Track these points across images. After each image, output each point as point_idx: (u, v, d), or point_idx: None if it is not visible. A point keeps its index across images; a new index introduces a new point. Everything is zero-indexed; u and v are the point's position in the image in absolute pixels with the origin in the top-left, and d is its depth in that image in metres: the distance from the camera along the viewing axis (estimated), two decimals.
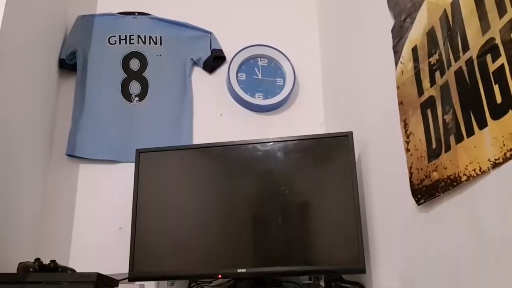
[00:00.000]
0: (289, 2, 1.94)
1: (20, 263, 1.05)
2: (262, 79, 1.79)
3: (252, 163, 1.40)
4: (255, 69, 1.80)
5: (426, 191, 0.90)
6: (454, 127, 0.80)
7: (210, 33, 1.81)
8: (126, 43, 1.74)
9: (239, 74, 1.78)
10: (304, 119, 1.76)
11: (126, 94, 1.69)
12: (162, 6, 1.83)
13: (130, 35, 1.75)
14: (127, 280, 1.30)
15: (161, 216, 1.38)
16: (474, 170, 0.73)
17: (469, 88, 0.76)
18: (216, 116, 1.74)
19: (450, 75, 0.82)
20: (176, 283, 1.44)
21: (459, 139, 0.78)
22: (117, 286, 1.20)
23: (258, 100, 1.75)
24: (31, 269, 1.02)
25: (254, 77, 1.79)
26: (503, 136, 0.66)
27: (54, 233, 1.51)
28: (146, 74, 1.72)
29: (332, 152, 1.34)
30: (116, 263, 1.34)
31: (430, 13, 0.91)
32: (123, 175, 1.55)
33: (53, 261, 1.07)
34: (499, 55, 0.68)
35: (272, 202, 1.34)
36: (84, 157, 1.60)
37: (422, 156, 0.92)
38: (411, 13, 0.99)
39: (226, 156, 1.41)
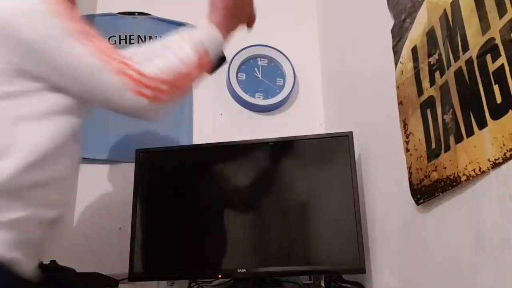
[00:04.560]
0: (289, 2, 1.93)
1: None
2: (262, 79, 1.79)
3: (252, 163, 1.40)
4: (255, 69, 1.80)
5: (425, 191, 0.90)
6: (454, 127, 0.80)
7: None
8: (126, 43, 1.74)
9: (239, 74, 1.77)
10: (304, 119, 1.75)
11: None
12: (162, 6, 1.83)
13: (130, 35, 1.75)
14: (127, 280, 1.30)
15: (161, 216, 1.38)
16: (474, 170, 0.73)
17: (469, 88, 0.76)
18: (216, 116, 1.73)
19: (449, 75, 0.82)
20: (176, 283, 1.44)
21: (458, 139, 0.78)
22: (117, 286, 1.20)
23: (258, 100, 1.75)
24: None
25: (254, 76, 1.79)
26: (503, 136, 0.66)
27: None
28: None
29: (332, 152, 1.34)
30: (116, 263, 1.34)
31: (430, 13, 0.91)
32: (123, 175, 1.55)
33: (53, 261, 1.07)
34: (499, 55, 0.68)
35: (272, 202, 1.34)
36: (84, 157, 1.60)
37: (421, 156, 0.92)
38: (411, 13, 0.99)
39: (226, 156, 1.41)
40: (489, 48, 0.70)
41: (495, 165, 0.68)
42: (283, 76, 1.79)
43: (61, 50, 0.81)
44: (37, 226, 0.83)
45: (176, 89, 0.90)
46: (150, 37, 1.76)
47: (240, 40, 1.79)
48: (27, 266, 0.81)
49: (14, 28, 0.79)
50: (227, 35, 1.00)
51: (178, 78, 0.89)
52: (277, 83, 1.79)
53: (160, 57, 0.89)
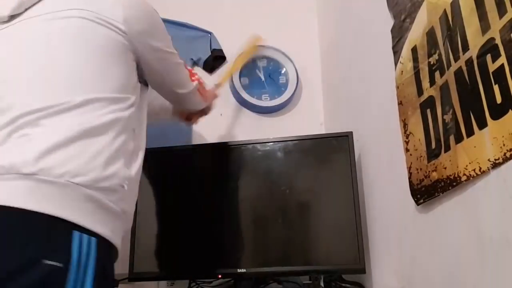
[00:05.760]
0: (289, 3, 1.93)
1: None
2: (264, 81, 1.79)
3: (252, 163, 1.40)
4: (256, 70, 1.80)
5: (425, 191, 0.90)
6: (454, 127, 0.80)
7: (210, 33, 1.81)
8: None
9: (242, 79, 1.77)
10: (305, 119, 1.76)
11: None
12: (162, 6, 1.82)
13: None
14: (127, 280, 1.30)
15: (161, 216, 1.38)
16: (474, 170, 0.73)
17: (469, 88, 0.76)
18: (216, 116, 1.73)
19: (449, 75, 0.82)
20: (176, 283, 1.44)
21: (458, 139, 0.78)
22: (117, 286, 1.20)
23: (265, 102, 1.75)
24: None
25: (257, 79, 1.79)
26: (503, 136, 0.66)
27: None
28: None
29: (332, 152, 1.34)
30: (116, 263, 1.34)
31: (430, 13, 0.91)
32: None
33: None
34: (499, 55, 0.68)
35: (272, 202, 1.34)
36: None
37: (421, 156, 0.92)
38: (411, 13, 0.99)
39: (226, 156, 1.41)
40: (489, 48, 0.70)
41: (495, 165, 0.68)
42: (285, 74, 1.79)
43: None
44: (131, 219, 0.98)
45: (201, 88, 1.28)
46: None
47: (240, 41, 1.81)
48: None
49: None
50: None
51: (202, 81, 1.29)
52: (281, 81, 1.79)
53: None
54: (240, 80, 1.77)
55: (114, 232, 0.86)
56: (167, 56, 1.10)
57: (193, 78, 1.23)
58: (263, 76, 1.79)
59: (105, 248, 0.84)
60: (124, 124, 0.91)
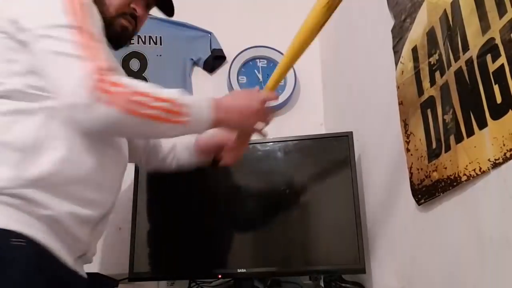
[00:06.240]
0: (288, 3, 1.93)
1: None
2: (262, 81, 1.78)
3: (252, 163, 1.39)
4: (255, 71, 1.80)
5: (426, 191, 0.90)
6: (454, 127, 0.80)
7: (210, 33, 1.81)
8: None
9: (239, 78, 1.77)
10: (304, 119, 1.75)
11: None
12: None
13: None
14: (127, 280, 1.30)
15: (161, 216, 1.38)
16: (474, 170, 0.74)
17: (469, 88, 0.76)
18: None
19: (450, 75, 0.82)
20: (176, 283, 1.44)
21: (459, 139, 0.78)
22: (117, 286, 1.20)
23: None
24: None
25: (255, 78, 1.79)
26: (503, 136, 0.66)
27: None
28: (146, 74, 1.72)
29: (332, 152, 1.34)
30: (116, 263, 1.34)
31: (430, 13, 0.91)
32: None
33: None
34: (499, 55, 0.68)
35: (272, 202, 1.34)
36: None
37: (422, 156, 0.92)
38: (411, 13, 0.99)
39: None
40: (489, 48, 0.70)
41: (495, 165, 0.68)
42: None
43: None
44: (75, 222, 0.86)
45: (127, 103, 0.80)
46: (150, 37, 1.76)
47: (239, 41, 1.81)
48: (66, 257, 0.85)
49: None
50: (220, 121, 0.95)
51: (138, 94, 0.82)
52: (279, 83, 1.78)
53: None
54: (237, 79, 1.76)
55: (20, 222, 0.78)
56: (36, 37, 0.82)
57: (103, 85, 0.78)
58: (261, 77, 1.79)
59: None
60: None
